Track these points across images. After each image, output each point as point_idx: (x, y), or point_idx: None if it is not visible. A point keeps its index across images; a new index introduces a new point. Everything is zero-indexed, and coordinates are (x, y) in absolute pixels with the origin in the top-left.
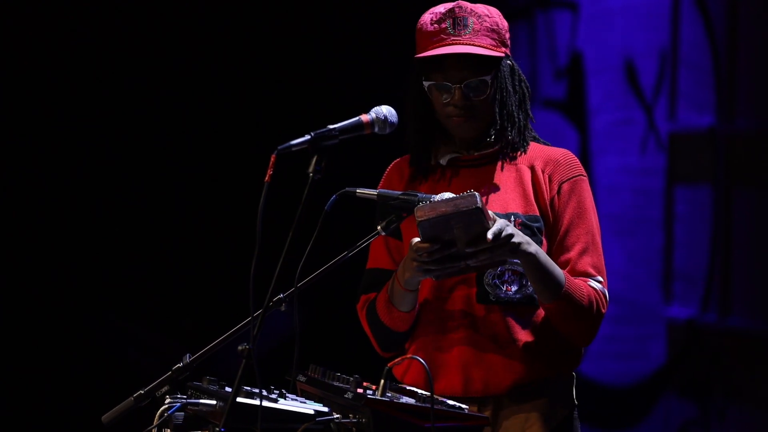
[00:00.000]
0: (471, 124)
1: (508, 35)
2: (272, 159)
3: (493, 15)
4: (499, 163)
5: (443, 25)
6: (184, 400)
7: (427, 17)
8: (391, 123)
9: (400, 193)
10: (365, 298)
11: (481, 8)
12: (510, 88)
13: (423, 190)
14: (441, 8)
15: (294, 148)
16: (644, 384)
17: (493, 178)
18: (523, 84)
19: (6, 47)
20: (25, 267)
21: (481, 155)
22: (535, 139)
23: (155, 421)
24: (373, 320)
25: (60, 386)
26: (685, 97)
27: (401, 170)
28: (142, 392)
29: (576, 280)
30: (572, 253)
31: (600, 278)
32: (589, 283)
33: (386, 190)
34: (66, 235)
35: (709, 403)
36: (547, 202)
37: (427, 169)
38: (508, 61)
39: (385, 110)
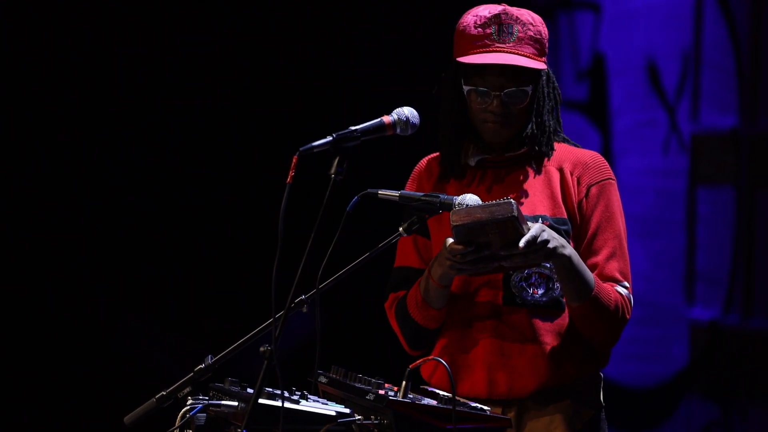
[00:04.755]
0: (505, 131)
1: (547, 42)
2: (294, 160)
3: (537, 23)
4: (528, 166)
5: (488, 30)
6: (206, 402)
7: (470, 19)
8: (413, 124)
9: (422, 194)
10: (394, 297)
11: (525, 15)
12: (545, 97)
13: (451, 190)
14: (485, 11)
15: (316, 150)
16: (667, 385)
17: (521, 181)
18: (556, 91)
19: (20, 48)
20: (49, 268)
21: (510, 157)
22: (564, 141)
23: (177, 422)
24: (403, 318)
25: (83, 387)
26: (707, 98)
27: (430, 169)
28: (165, 393)
29: (604, 285)
30: (599, 257)
31: (626, 284)
32: (615, 288)
33: (408, 192)
34: (89, 237)
35: (731, 404)
36: (575, 205)
37: (456, 169)
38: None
39: (407, 111)
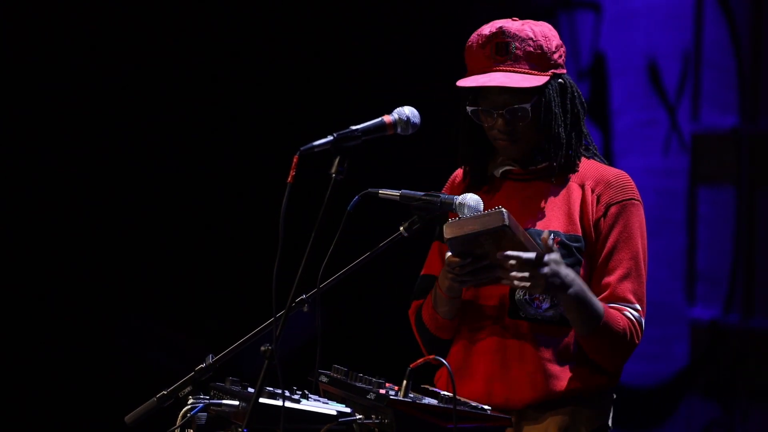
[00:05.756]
0: (516, 147)
1: (558, 53)
2: (295, 160)
3: (538, 37)
4: (550, 180)
5: (486, 51)
6: (207, 401)
7: (474, 39)
8: (414, 124)
9: (422, 194)
10: (416, 305)
11: (527, 30)
12: (557, 110)
13: (494, 200)
14: (487, 29)
15: (316, 149)
16: (668, 385)
17: (540, 195)
18: (576, 101)
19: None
20: (49, 268)
21: (533, 170)
22: (594, 157)
23: (178, 421)
24: (420, 327)
25: (83, 387)
26: (708, 98)
27: (461, 178)
28: (165, 393)
29: (613, 312)
30: (613, 277)
31: (638, 306)
32: (625, 312)
33: (409, 191)
34: (90, 237)
35: (732, 404)
36: (591, 223)
37: (480, 180)
38: (560, 80)
39: (408, 111)
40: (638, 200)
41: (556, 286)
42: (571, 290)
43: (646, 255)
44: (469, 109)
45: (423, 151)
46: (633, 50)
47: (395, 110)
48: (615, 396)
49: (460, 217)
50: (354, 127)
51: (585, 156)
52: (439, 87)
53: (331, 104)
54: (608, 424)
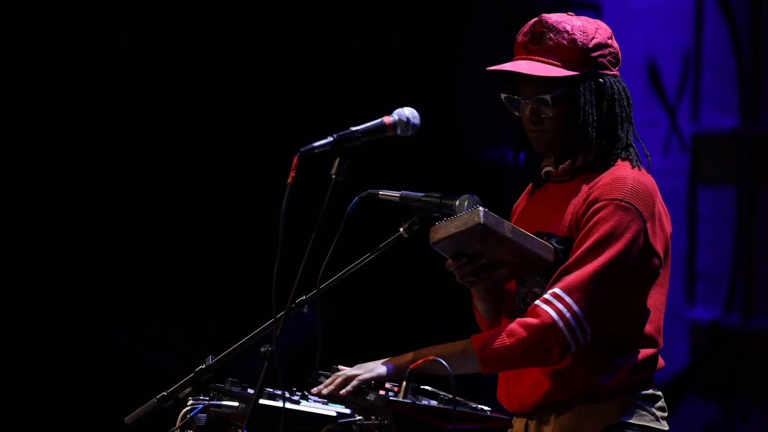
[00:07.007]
0: (544, 139)
1: (599, 52)
2: (295, 161)
3: (574, 31)
4: (571, 181)
5: (525, 38)
6: (207, 402)
7: (522, 29)
8: (414, 125)
9: (422, 194)
10: None
11: (565, 24)
12: (587, 109)
13: (534, 201)
14: (534, 20)
15: (316, 150)
16: (668, 385)
17: (556, 197)
18: (615, 106)
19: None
20: (49, 269)
21: (561, 171)
22: (633, 163)
23: (178, 422)
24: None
25: (83, 387)
26: (708, 99)
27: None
28: (165, 394)
29: (487, 339)
30: (561, 267)
31: (560, 293)
32: (514, 324)
33: (408, 192)
34: (90, 237)
35: (732, 405)
36: (574, 222)
37: (535, 181)
38: (600, 80)
39: (408, 112)
40: (626, 203)
41: (370, 376)
42: (389, 367)
43: (611, 256)
44: (503, 96)
45: (423, 151)
46: (633, 50)
47: (395, 111)
48: (650, 392)
49: (442, 221)
50: (354, 128)
51: (621, 159)
52: (439, 87)
53: (331, 104)
54: (623, 422)
